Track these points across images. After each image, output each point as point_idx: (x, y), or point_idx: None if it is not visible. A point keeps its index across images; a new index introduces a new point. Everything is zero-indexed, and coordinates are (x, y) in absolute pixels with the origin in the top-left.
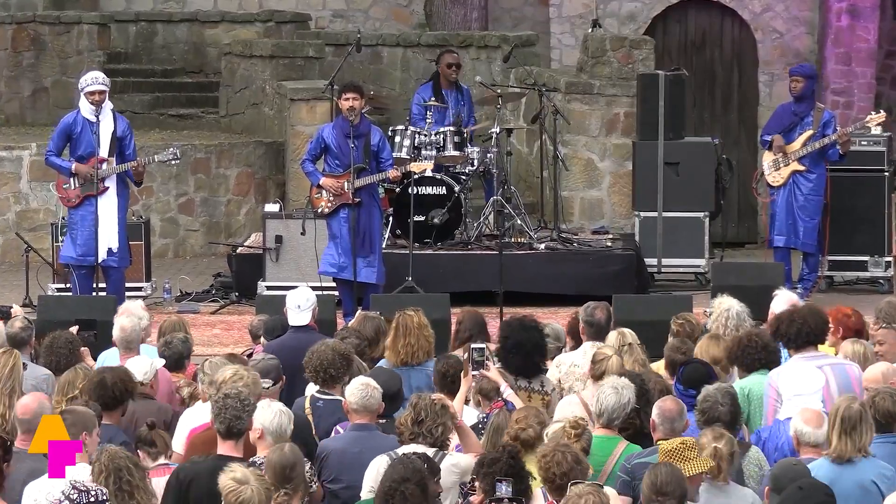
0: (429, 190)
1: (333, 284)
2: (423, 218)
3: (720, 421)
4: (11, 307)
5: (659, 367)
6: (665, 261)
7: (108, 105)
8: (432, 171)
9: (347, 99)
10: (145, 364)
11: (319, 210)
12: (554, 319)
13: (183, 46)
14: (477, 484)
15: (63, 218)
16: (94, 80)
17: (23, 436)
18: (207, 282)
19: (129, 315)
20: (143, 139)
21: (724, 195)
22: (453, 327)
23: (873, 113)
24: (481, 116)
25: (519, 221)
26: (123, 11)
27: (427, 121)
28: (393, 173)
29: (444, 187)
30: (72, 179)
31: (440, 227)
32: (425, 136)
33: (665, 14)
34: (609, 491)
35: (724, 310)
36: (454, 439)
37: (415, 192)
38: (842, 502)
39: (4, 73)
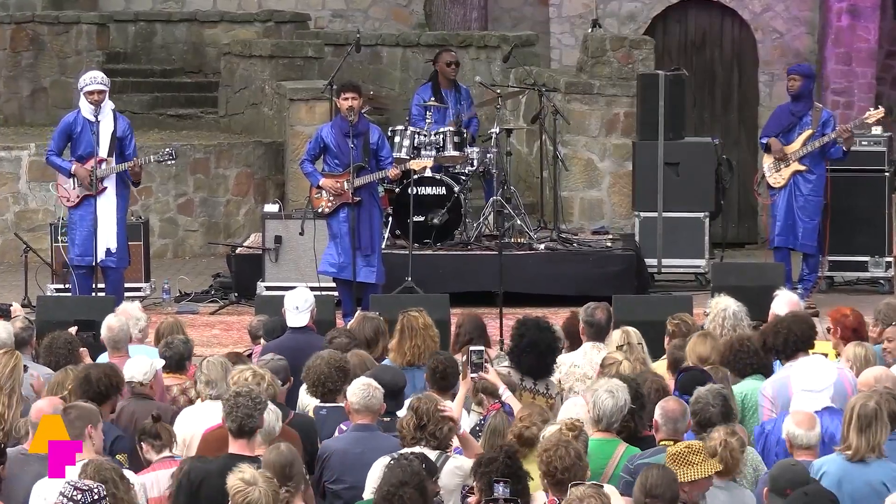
0: (428, 190)
1: (333, 285)
2: (422, 218)
3: (712, 423)
4: (11, 305)
5: (660, 367)
6: (665, 261)
7: (108, 105)
8: (432, 171)
9: (346, 98)
10: (145, 364)
11: (320, 210)
12: (554, 320)
13: (182, 46)
14: (474, 484)
15: (61, 218)
16: (92, 79)
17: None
18: (207, 282)
19: (118, 315)
20: (142, 139)
21: (724, 195)
22: (453, 330)
23: (872, 109)
24: (481, 117)
25: (519, 222)
26: (122, 11)
27: (427, 121)
28: (393, 172)
29: (443, 187)
30: (72, 179)
31: (440, 227)
32: (425, 136)
33: (665, 14)
34: (610, 490)
35: (721, 309)
36: (455, 440)
37: (414, 192)
38: (850, 502)
39: (3, 73)
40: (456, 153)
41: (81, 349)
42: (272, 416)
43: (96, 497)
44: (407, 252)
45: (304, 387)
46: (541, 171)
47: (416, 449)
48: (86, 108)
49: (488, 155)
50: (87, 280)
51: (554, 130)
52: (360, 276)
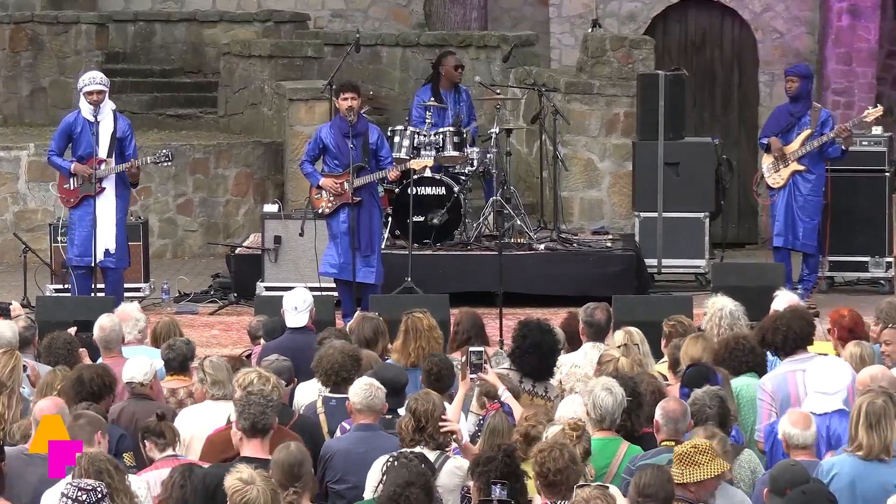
0: (428, 190)
1: (333, 285)
2: (422, 218)
3: (709, 423)
4: (11, 304)
5: (661, 368)
6: (665, 261)
7: (108, 105)
8: (431, 171)
9: (346, 98)
10: (145, 365)
11: (320, 210)
12: (554, 320)
13: (181, 46)
14: (470, 483)
15: (60, 219)
16: (91, 79)
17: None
18: (206, 282)
19: (110, 315)
20: (141, 139)
21: (724, 195)
22: (451, 328)
23: (870, 108)
24: (481, 117)
25: (518, 222)
26: (122, 11)
27: (427, 121)
28: (393, 174)
29: (443, 188)
30: (71, 179)
31: (439, 227)
32: (424, 136)
33: (665, 14)
34: (615, 492)
35: (718, 309)
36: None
37: (414, 192)
38: (862, 502)
39: (2, 74)
40: (455, 153)
41: (81, 349)
42: None
43: (100, 496)
44: (406, 252)
45: (300, 386)
46: (540, 171)
47: (416, 450)
48: (86, 109)
49: (488, 155)
50: (86, 280)
51: (554, 130)
52: (360, 277)
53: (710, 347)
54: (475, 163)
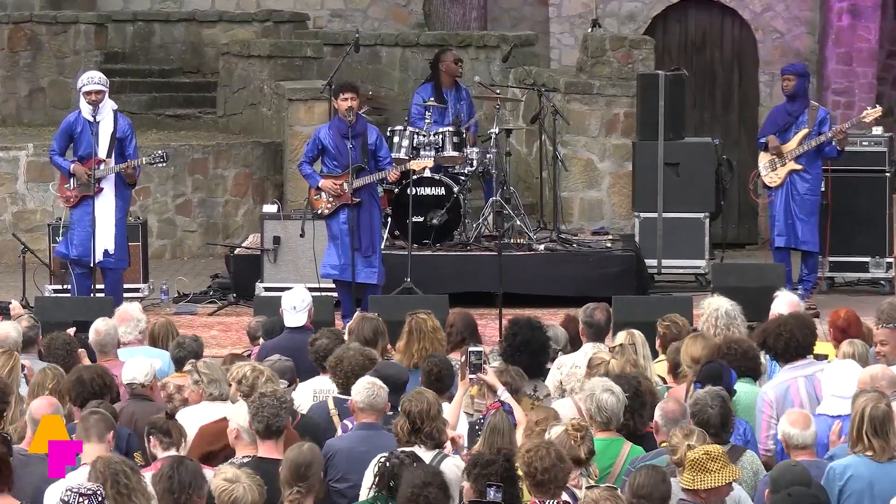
0: (427, 191)
1: (332, 285)
2: (421, 219)
3: (710, 424)
4: (10, 303)
5: (659, 368)
6: (665, 262)
7: (109, 105)
8: (431, 171)
9: (346, 99)
10: (145, 366)
11: (319, 211)
12: (553, 321)
13: (180, 46)
14: (465, 483)
15: (59, 219)
16: (89, 79)
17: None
18: (205, 283)
19: (105, 318)
20: (140, 139)
21: (724, 196)
22: (445, 330)
23: (869, 108)
24: (480, 117)
25: (518, 222)
26: (121, 11)
27: (426, 121)
28: (392, 175)
29: (442, 188)
30: (72, 179)
31: (439, 227)
32: (424, 136)
33: (665, 14)
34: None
35: (714, 309)
36: (452, 433)
37: (413, 192)
38: (880, 502)
39: (1, 74)
40: (455, 153)
41: (79, 350)
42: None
43: (100, 499)
44: (406, 252)
45: (299, 386)
46: (540, 171)
47: (413, 449)
48: (85, 109)
49: (488, 155)
50: (86, 280)
51: (553, 131)
52: (361, 277)
53: (710, 346)
54: (475, 163)
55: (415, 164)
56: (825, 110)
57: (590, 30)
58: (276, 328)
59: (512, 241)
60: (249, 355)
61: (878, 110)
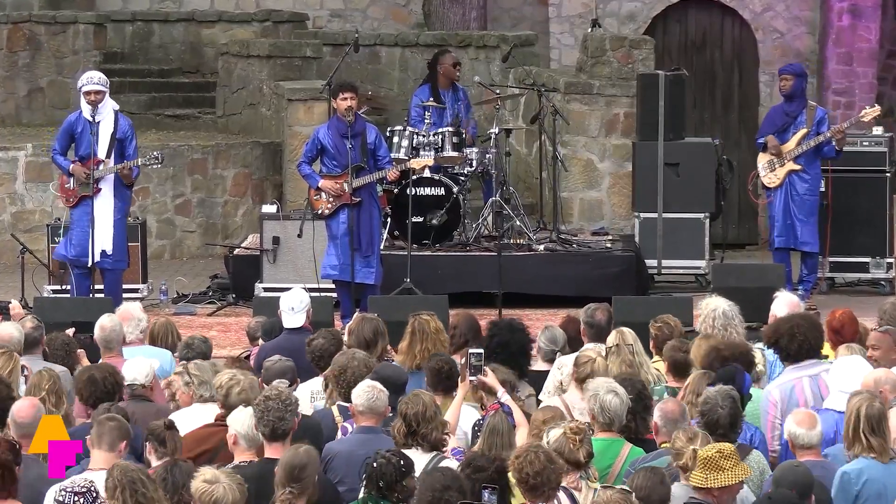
0: (427, 191)
1: (331, 286)
2: (421, 219)
3: (720, 424)
4: (10, 303)
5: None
6: (665, 262)
7: (110, 105)
8: (430, 171)
9: (345, 98)
10: (145, 366)
11: (319, 212)
12: (553, 321)
13: (179, 46)
14: None
15: (58, 219)
16: (89, 79)
17: (19, 440)
18: (204, 283)
19: (111, 315)
20: (139, 140)
21: (724, 196)
22: (448, 331)
23: (867, 107)
24: (480, 117)
25: (518, 222)
26: (120, 11)
27: (425, 121)
28: (392, 174)
29: (442, 188)
30: (71, 179)
31: (438, 228)
32: (423, 136)
33: (665, 14)
34: None
35: (712, 310)
36: (451, 441)
37: (413, 192)
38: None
39: (0, 74)
40: (455, 154)
41: (79, 350)
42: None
43: (94, 495)
44: (405, 253)
45: (299, 387)
46: (540, 171)
47: (409, 452)
48: (86, 109)
49: (487, 155)
50: (85, 280)
51: (553, 131)
52: (359, 277)
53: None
54: (474, 163)
55: (415, 163)
56: (823, 110)
57: (590, 30)
58: (276, 329)
59: (512, 241)
60: (249, 356)
61: (877, 109)
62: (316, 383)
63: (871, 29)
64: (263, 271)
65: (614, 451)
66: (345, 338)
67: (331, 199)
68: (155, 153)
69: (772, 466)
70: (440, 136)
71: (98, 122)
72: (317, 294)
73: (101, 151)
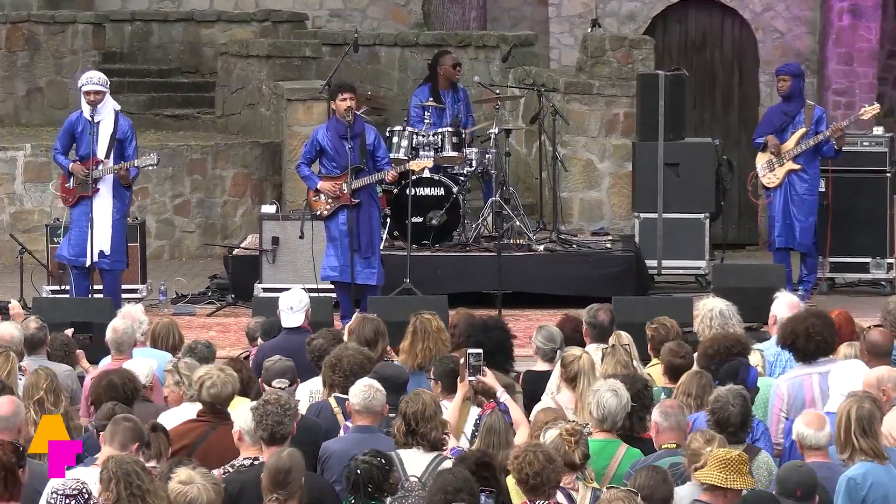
0: (427, 191)
1: (331, 286)
2: (421, 219)
3: (731, 423)
4: (10, 302)
5: (654, 371)
6: (665, 262)
7: (110, 105)
8: (430, 171)
9: (345, 99)
10: (145, 367)
11: (318, 213)
12: (553, 322)
13: (179, 46)
14: None
15: (57, 219)
16: (88, 79)
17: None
18: (203, 284)
19: (124, 317)
20: (138, 140)
21: (724, 196)
22: (448, 331)
23: (867, 106)
24: (480, 117)
25: (518, 223)
26: (119, 11)
27: (425, 122)
28: (391, 175)
29: (442, 188)
30: (71, 179)
31: (438, 228)
32: (423, 136)
33: (665, 14)
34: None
35: (708, 310)
36: (451, 441)
37: (413, 193)
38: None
39: None
40: (454, 154)
41: (78, 351)
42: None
43: (86, 498)
44: (405, 253)
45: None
46: (540, 171)
47: (409, 452)
48: (86, 109)
49: (487, 155)
50: (83, 280)
51: (553, 131)
52: (360, 278)
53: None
54: (474, 163)
55: (414, 165)
56: (821, 109)
57: (589, 30)
58: (275, 329)
59: (511, 241)
60: (248, 356)
61: (876, 108)
62: (316, 383)
63: (871, 29)
64: (263, 272)
65: (610, 451)
66: (345, 338)
67: (330, 201)
68: (152, 155)
69: (775, 459)
70: (440, 137)
71: (98, 123)
72: (316, 295)
73: (101, 151)
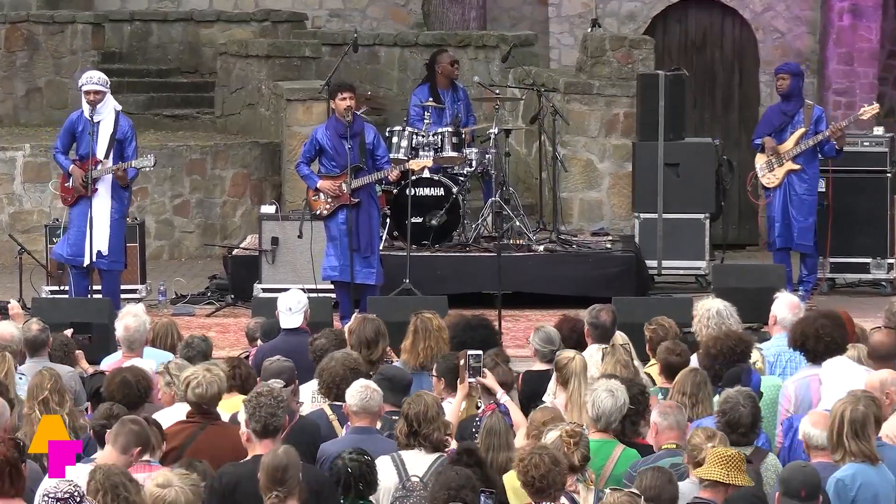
0: (426, 191)
1: (330, 286)
2: (420, 219)
3: (741, 424)
4: (9, 303)
5: (651, 371)
6: (665, 263)
7: (110, 106)
8: (430, 172)
9: (344, 98)
10: (145, 366)
11: (318, 212)
12: (553, 322)
13: (178, 46)
14: None
15: (56, 220)
16: (88, 79)
17: None
18: (203, 284)
19: (136, 315)
20: (137, 140)
21: (724, 196)
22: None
23: (866, 105)
24: (480, 117)
25: (517, 223)
26: (118, 11)
27: (425, 122)
28: (393, 174)
29: (441, 188)
30: (71, 178)
31: (438, 228)
32: (423, 136)
33: (665, 13)
34: None
35: (706, 310)
36: (452, 442)
37: (412, 193)
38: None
39: None
40: (454, 154)
41: (77, 351)
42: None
43: (79, 499)
44: (405, 253)
45: (302, 388)
46: (540, 171)
47: (411, 453)
48: (86, 108)
49: (487, 156)
50: (83, 281)
51: (553, 131)
52: (360, 278)
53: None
54: (474, 163)
55: (414, 164)
56: (820, 109)
57: (589, 30)
58: (275, 330)
59: (511, 241)
60: (247, 357)
61: (875, 107)
62: (316, 384)
63: (871, 29)
64: (262, 272)
65: (606, 451)
66: (346, 338)
67: (329, 200)
68: (149, 156)
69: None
70: (439, 137)
71: (98, 123)
72: (315, 295)
73: (100, 152)
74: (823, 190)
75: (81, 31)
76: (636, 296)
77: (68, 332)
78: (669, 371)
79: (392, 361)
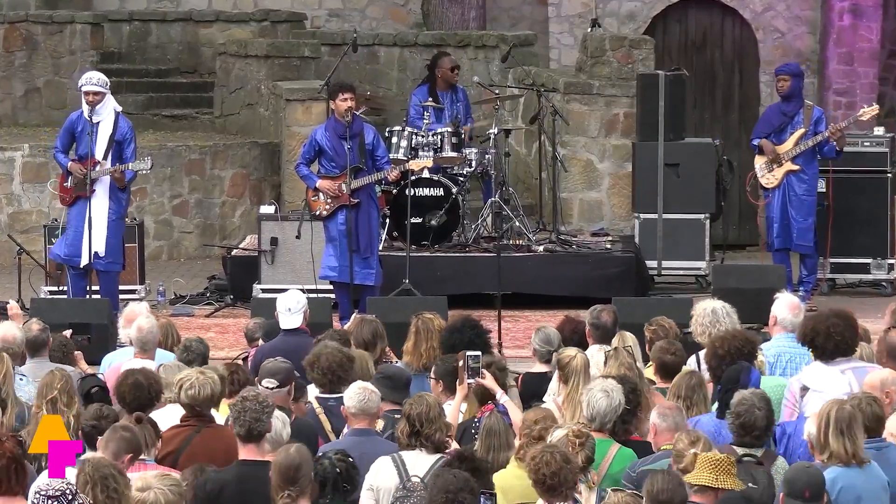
0: (426, 191)
1: (329, 287)
2: (420, 220)
3: (756, 426)
4: (8, 303)
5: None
6: (665, 263)
7: (110, 106)
8: (430, 172)
9: (346, 99)
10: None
11: (317, 213)
12: (553, 322)
13: (177, 46)
14: None
15: (55, 220)
16: (87, 80)
17: None
18: (202, 284)
19: (149, 316)
20: (136, 140)
21: (724, 197)
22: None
23: (866, 106)
24: (479, 117)
25: (517, 223)
26: (117, 11)
27: (424, 122)
28: (393, 174)
29: (441, 189)
30: (70, 178)
31: (437, 228)
32: (422, 136)
33: (665, 13)
34: None
35: (702, 310)
36: (453, 443)
37: (412, 193)
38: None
39: None
40: (454, 154)
41: (76, 352)
42: (278, 423)
43: (70, 498)
44: (404, 254)
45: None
46: (539, 172)
47: (412, 453)
48: (85, 109)
49: (486, 156)
50: (81, 281)
51: (553, 131)
52: (359, 279)
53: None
54: (473, 164)
55: (414, 164)
56: (820, 109)
57: (589, 30)
58: (276, 330)
59: (511, 242)
60: (247, 357)
61: (875, 108)
62: None
63: (872, 29)
64: (261, 272)
65: (601, 451)
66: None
67: (329, 200)
68: (146, 158)
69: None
70: (439, 137)
71: (97, 123)
72: (315, 295)
73: (99, 152)
74: (823, 190)
75: (80, 31)
76: (636, 296)
77: (67, 332)
78: (664, 370)
79: (391, 362)
